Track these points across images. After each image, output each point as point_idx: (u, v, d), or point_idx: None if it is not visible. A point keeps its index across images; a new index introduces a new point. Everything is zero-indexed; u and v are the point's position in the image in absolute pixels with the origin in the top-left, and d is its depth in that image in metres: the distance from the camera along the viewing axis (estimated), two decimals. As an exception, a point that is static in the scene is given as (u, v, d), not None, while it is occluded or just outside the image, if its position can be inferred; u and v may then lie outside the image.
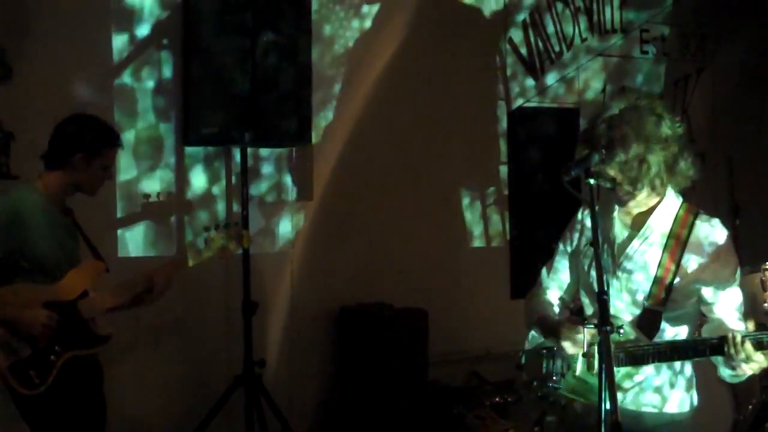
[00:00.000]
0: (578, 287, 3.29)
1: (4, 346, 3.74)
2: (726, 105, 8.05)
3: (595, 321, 2.74)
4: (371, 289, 6.04)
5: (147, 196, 5.36)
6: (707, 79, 8.02)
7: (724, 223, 3.10)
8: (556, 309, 3.33)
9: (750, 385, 5.09)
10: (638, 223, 3.10)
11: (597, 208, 3.07)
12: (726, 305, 3.03)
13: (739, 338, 2.81)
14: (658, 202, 3.07)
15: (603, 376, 2.62)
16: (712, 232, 3.03)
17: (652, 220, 3.06)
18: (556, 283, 3.36)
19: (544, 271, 3.40)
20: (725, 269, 3.02)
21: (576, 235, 3.27)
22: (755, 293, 5.00)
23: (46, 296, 3.83)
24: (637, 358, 2.96)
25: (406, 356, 5.85)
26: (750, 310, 5.01)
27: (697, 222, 3.04)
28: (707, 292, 3.03)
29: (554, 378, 3.12)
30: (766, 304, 4.95)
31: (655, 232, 3.05)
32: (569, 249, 3.30)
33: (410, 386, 5.84)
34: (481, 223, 6.81)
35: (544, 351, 3.19)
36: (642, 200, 3.07)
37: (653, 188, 3.01)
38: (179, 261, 4.42)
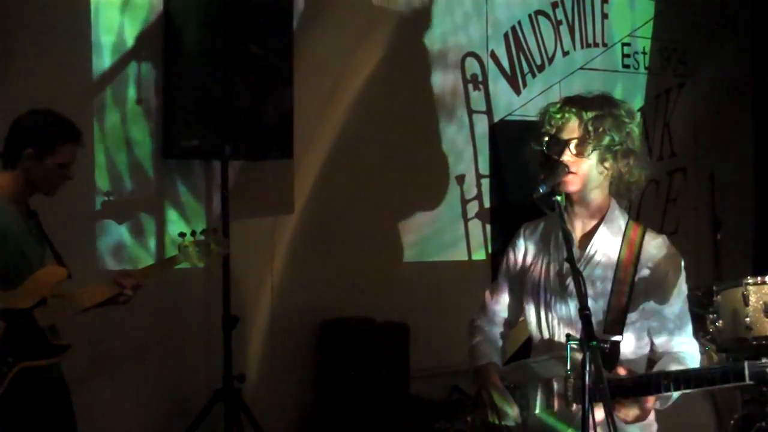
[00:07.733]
0: (522, 309, 3.21)
1: None
2: (707, 120, 8.08)
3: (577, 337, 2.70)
4: (352, 303, 6.00)
5: (126, 209, 5.34)
6: (689, 93, 8.05)
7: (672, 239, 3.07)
8: (499, 343, 3.27)
9: (732, 400, 5.09)
10: (583, 244, 3.02)
11: (536, 235, 3.11)
12: (674, 321, 2.99)
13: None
14: (601, 220, 3.00)
15: (587, 398, 2.57)
16: (661, 249, 2.99)
17: (596, 239, 3.00)
18: (500, 306, 3.29)
19: (487, 294, 3.32)
20: (674, 286, 2.98)
21: (520, 254, 3.19)
22: (736, 308, 4.97)
23: None
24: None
25: (387, 371, 5.82)
26: (731, 325, 5.04)
27: (646, 238, 2.98)
28: (658, 310, 2.98)
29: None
30: (747, 319, 4.92)
31: (600, 252, 2.99)
32: (511, 269, 3.22)
33: (391, 401, 5.80)
34: (463, 236, 6.80)
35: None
36: (583, 195, 2.97)
37: (601, 162, 2.92)
38: (153, 267, 4.32)
